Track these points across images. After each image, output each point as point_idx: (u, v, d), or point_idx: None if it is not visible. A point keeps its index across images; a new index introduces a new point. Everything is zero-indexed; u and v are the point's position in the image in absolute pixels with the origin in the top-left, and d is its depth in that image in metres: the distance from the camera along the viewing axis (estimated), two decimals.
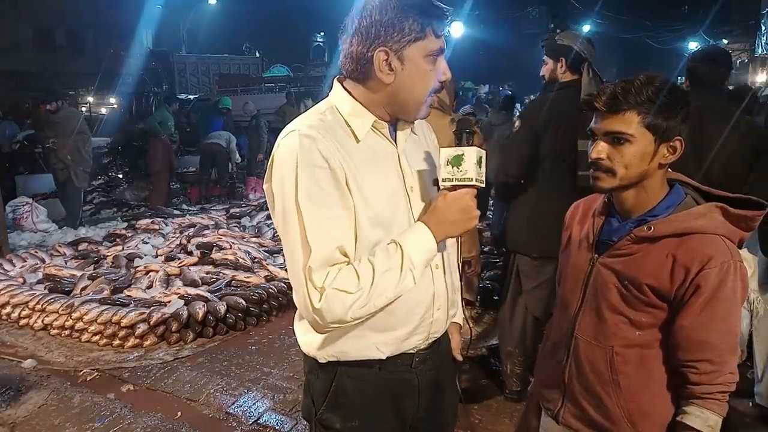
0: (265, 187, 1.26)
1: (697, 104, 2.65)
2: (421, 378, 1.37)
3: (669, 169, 1.34)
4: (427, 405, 1.40)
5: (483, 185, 1.25)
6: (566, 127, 2.56)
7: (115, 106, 10.73)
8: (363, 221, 1.20)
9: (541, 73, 2.87)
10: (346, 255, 1.17)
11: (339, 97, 1.28)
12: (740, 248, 1.31)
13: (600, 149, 1.28)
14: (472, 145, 1.24)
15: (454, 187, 1.23)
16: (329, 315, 1.14)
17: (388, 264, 1.18)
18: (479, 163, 1.23)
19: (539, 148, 2.65)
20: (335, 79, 1.31)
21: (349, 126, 1.24)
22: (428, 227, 1.22)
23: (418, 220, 1.26)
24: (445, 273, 1.36)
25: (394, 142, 1.30)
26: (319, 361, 1.32)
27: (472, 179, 1.22)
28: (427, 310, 1.32)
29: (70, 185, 7.03)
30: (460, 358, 1.51)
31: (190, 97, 14.28)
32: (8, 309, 4.26)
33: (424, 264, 1.22)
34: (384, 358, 1.29)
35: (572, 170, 2.57)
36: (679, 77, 3.94)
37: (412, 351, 1.34)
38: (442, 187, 1.25)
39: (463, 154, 1.22)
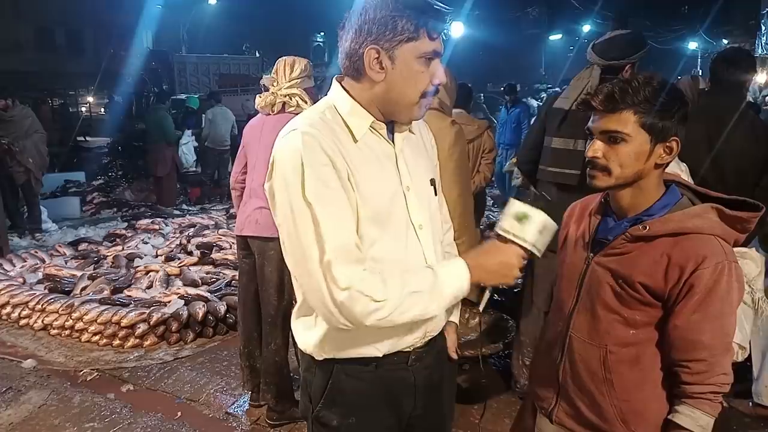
0: (266, 186, 1.25)
1: (716, 105, 2.69)
2: (417, 376, 1.37)
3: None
4: (424, 403, 1.41)
5: (538, 255, 1.24)
6: None
7: (116, 105, 10.70)
8: (362, 219, 1.21)
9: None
10: (359, 248, 1.18)
11: (338, 97, 1.27)
12: (736, 246, 1.31)
13: (596, 148, 1.29)
14: (544, 212, 1.23)
15: (508, 241, 1.23)
16: (347, 312, 1.15)
17: (421, 286, 1.18)
18: (542, 231, 1.22)
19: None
20: (334, 79, 1.31)
21: (348, 126, 1.24)
22: (467, 266, 1.23)
23: (462, 256, 1.26)
24: None
25: (391, 143, 1.30)
26: (316, 358, 1.33)
27: (527, 242, 1.21)
28: None
29: (28, 190, 6.64)
30: (455, 356, 1.52)
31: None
32: (8, 309, 4.26)
33: (451, 299, 1.23)
34: (380, 356, 1.30)
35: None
36: (678, 77, 3.95)
37: (408, 349, 1.34)
38: (498, 234, 1.25)
39: (530, 216, 1.22)
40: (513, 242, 1.23)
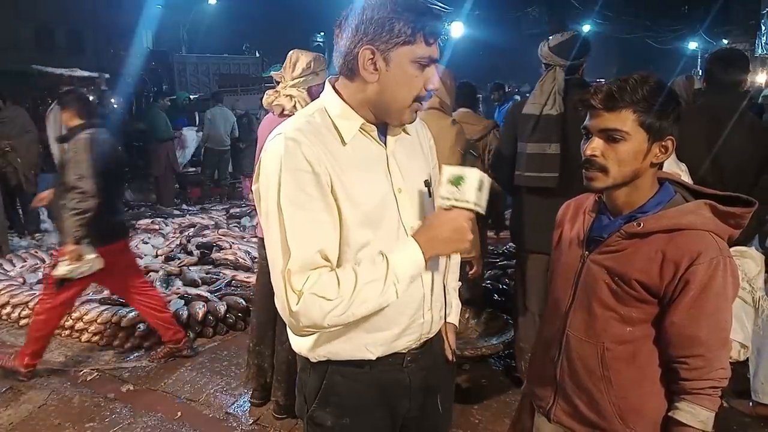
0: (253, 188, 1.26)
1: (713, 104, 2.70)
2: (412, 378, 1.37)
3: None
4: (420, 405, 1.40)
5: (482, 212, 1.23)
6: None
7: (115, 106, 10.68)
8: (350, 223, 1.21)
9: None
10: (327, 259, 1.17)
11: (329, 99, 1.28)
12: (730, 242, 1.32)
13: (594, 146, 1.30)
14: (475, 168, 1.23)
15: (452, 207, 1.22)
16: (305, 319, 1.15)
17: (373, 275, 1.17)
18: (480, 187, 1.22)
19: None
20: (327, 81, 1.31)
21: (337, 128, 1.24)
22: (418, 243, 1.22)
23: (412, 235, 1.25)
24: (434, 275, 1.35)
25: (383, 144, 1.30)
26: (311, 360, 1.33)
27: (470, 203, 1.21)
28: (417, 311, 1.32)
29: (20, 190, 6.47)
30: (452, 358, 1.50)
31: (191, 96, 14.27)
32: (8, 309, 4.27)
33: (410, 279, 1.22)
34: (374, 358, 1.29)
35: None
36: (677, 77, 3.95)
37: (403, 351, 1.34)
38: (439, 205, 1.24)
39: (465, 176, 1.21)
40: (457, 207, 1.22)
